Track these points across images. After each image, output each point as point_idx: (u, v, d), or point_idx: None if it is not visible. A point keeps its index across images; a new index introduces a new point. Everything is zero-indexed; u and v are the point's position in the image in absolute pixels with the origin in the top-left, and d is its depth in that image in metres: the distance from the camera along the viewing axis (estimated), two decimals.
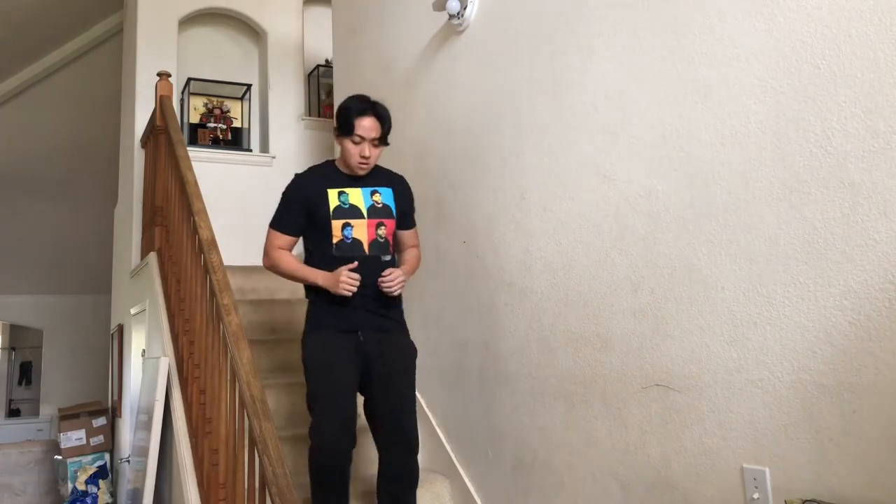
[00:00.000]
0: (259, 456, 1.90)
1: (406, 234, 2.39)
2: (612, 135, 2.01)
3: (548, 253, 2.25)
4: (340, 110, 2.27)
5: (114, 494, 4.63)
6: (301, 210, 2.26)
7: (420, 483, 2.62)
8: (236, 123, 5.06)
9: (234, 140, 5.04)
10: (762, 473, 1.55)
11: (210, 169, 4.46)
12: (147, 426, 3.13)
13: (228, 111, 5.04)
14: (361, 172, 2.27)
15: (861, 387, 1.38)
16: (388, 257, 2.27)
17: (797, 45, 1.52)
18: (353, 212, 2.24)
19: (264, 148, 5.05)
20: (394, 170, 2.46)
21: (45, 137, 6.64)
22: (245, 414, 2.05)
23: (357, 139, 2.21)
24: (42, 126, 6.55)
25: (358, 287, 2.13)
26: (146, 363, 3.69)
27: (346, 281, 2.11)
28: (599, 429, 2.03)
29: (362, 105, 2.24)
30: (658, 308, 1.84)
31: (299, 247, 2.36)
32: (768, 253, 1.56)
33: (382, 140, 2.26)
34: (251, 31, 5.23)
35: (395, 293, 2.20)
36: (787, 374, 1.52)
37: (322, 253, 2.23)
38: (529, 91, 2.35)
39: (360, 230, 2.23)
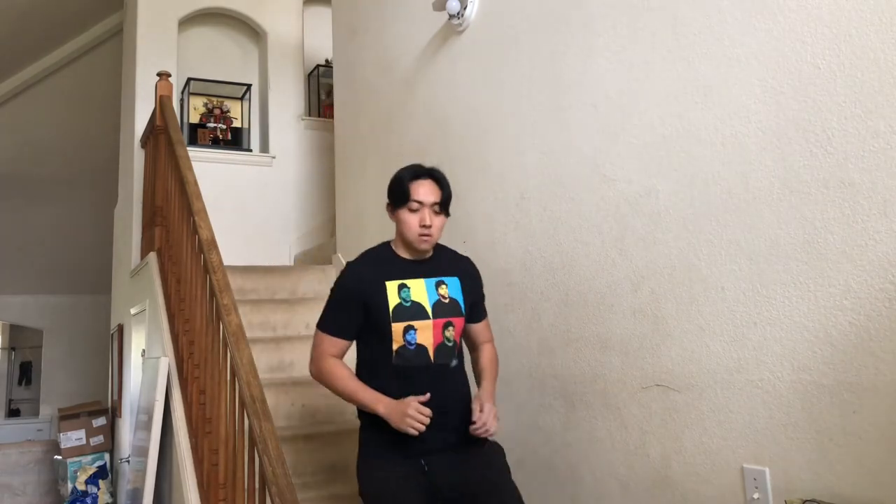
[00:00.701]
0: (259, 456, 1.90)
1: (477, 328, 2.04)
2: (612, 135, 2.01)
3: (548, 253, 2.25)
4: (392, 181, 1.95)
5: (114, 494, 4.63)
6: (358, 309, 1.88)
7: None
8: (236, 123, 5.06)
9: (234, 140, 5.04)
10: (762, 473, 1.55)
11: (210, 169, 4.46)
12: (147, 426, 3.13)
13: (228, 111, 5.04)
14: (425, 247, 1.92)
15: (861, 387, 1.38)
16: (455, 363, 1.93)
17: (797, 45, 1.52)
18: (417, 311, 1.88)
19: (264, 148, 5.05)
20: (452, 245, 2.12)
21: (45, 137, 6.64)
22: (245, 414, 2.05)
23: (415, 206, 1.88)
24: (42, 126, 6.55)
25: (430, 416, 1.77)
26: (146, 363, 3.69)
27: (414, 418, 1.74)
28: (599, 429, 2.03)
29: (417, 170, 1.93)
30: (658, 308, 1.84)
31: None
32: (768, 253, 1.56)
33: (443, 208, 1.91)
34: (251, 31, 5.23)
35: (494, 432, 1.84)
36: (787, 374, 1.52)
37: (379, 361, 1.88)
38: (529, 91, 2.35)
39: (425, 334, 1.87)
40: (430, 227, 1.88)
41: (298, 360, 3.22)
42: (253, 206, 4.79)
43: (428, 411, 1.75)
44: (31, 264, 7.91)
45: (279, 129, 5.04)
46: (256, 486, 1.97)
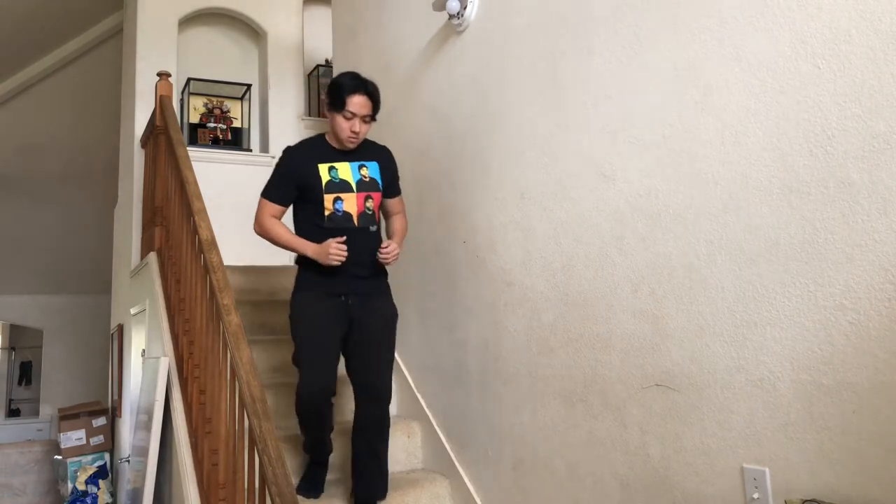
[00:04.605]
0: (259, 456, 1.90)
1: (392, 203, 2.55)
2: (612, 135, 2.01)
3: (548, 253, 2.25)
4: (332, 86, 2.39)
5: (114, 494, 4.63)
6: (293, 183, 2.41)
7: (420, 483, 2.63)
8: (236, 123, 5.06)
9: (234, 140, 5.03)
10: (762, 473, 1.55)
11: (210, 169, 4.45)
12: (147, 426, 3.13)
13: (228, 111, 5.04)
14: (351, 146, 2.41)
15: (861, 387, 1.38)
16: (374, 227, 2.43)
17: (797, 45, 1.52)
18: (343, 186, 2.39)
19: (264, 148, 5.05)
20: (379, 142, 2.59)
21: (45, 137, 6.64)
22: (245, 414, 2.05)
23: (348, 115, 2.34)
24: (42, 126, 6.55)
25: (347, 258, 2.29)
26: (146, 363, 3.69)
27: (335, 252, 2.28)
28: (599, 429, 2.02)
29: (354, 83, 2.36)
30: (658, 308, 1.84)
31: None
32: (768, 253, 1.56)
33: (372, 117, 2.39)
34: (251, 31, 5.23)
35: (392, 263, 2.38)
36: (787, 374, 1.52)
37: (313, 224, 2.39)
38: (529, 91, 2.35)
39: (350, 203, 2.38)
40: (357, 133, 2.37)
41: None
42: (253, 206, 4.76)
43: (345, 247, 2.28)
44: (31, 264, 7.91)
45: (279, 129, 5.04)
46: (256, 486, 1.97)
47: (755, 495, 1.56)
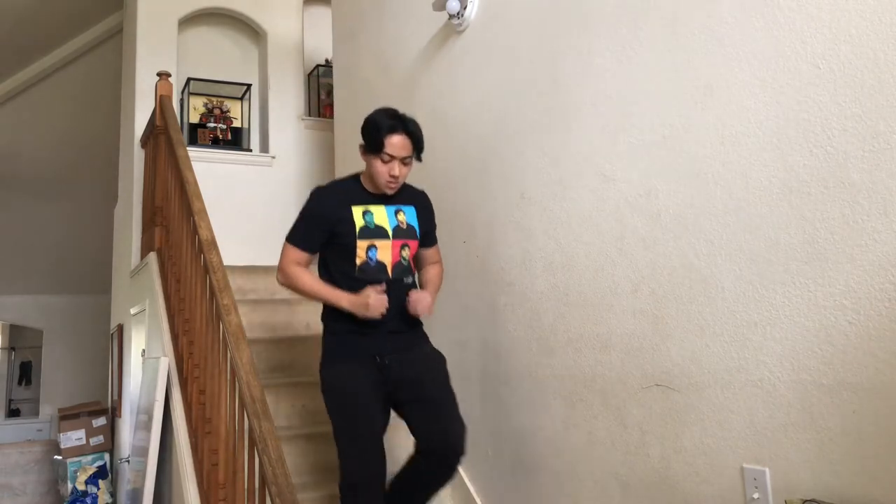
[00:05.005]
0: (259, 456, 1.90)
1: (428, 253, 2.31)
2: (612, 135, 2.01)
3: (548, 253, 2.25)
4: (368, 125, 2.12)
5: (114, 494, 4.63)
6: (322, 227, 2.14)
7: None
8: (236, 123, 5.06)
9: (234, 140, 5.04)
10: (762, 473, 1.55)
11: (210, 169, 4.45)
12: (147, 426, 3.13)
13: (228, 111, 5.04)
14: (390, 192, 2.15)
15: (861, 387, 1.38)
16: (409, 279, 2.19)
17: (797, 45, 1.51)
18: (379, 232, 2.13)
19: (264, 148, 5.05)
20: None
21: (44, 137, 6.64)
22: (245, 414, 2.05)
23: (386, 157, 2.08)
24: (42, 126, 6.55)
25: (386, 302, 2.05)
26: (146, 363, 3.69)
27: (376, 303, 2.02)
28: (599, 429, 2.02)
29: (392, 121, 2.09)
30: (658, 308, 1.84)
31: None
32: (768, 253, 1.56)
33: (415, 157, 2.14)
34: (251, 31, 5.23)
35: (423, 313, 2.13)
36: (787, 374, 1.52)
37: (343, 274, 2.12)
38: (529, 91, 2.35)
39: (385, 252, 2.13)
40: (397, 177, 2.10)
41: (299, 360, 3.22)
42: (253, 206, 4.79)
43: (385, 297, 2.03)
44: (31, 264, 7.91)
45: (279, 129, 5.04)
46: (256, 486, 1.97)
47: (755, 495, 1.56)
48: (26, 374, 9.59)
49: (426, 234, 2.26)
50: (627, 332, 1.93)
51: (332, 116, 4.26)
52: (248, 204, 4.77)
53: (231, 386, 2.24)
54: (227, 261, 2.65)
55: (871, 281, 1.36)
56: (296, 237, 2.17)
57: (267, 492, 1.84)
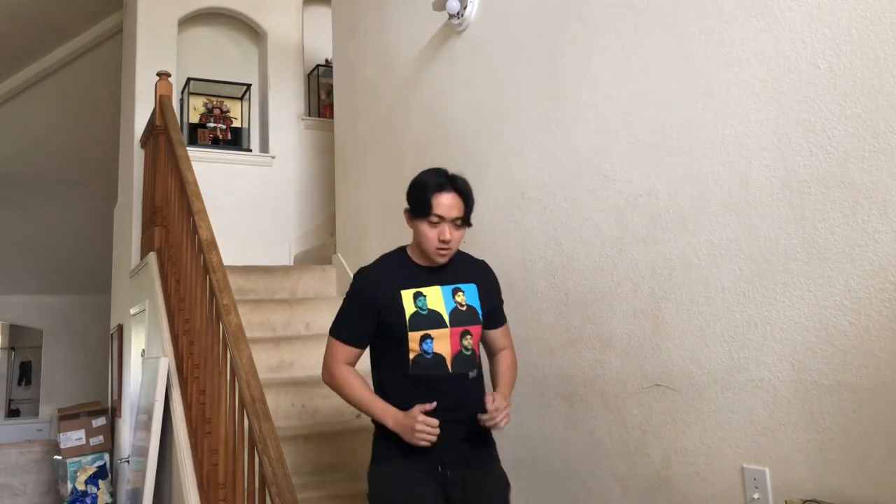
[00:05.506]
0: (259, 456, 1.90)
1: (495, 335, 1.99)
2: (612, 135, 2.01)
3: (548, 253, 2.25)
4: (414, 186, 1.88)
5: (113, 494, 4.63)
6: (370, 318, 1.85)
7: None
8: (236, 123, 5.06)
9: (234, 140, 5.04)
10: (762, 473, 1.55)
11: (210, 169, 4.46)
12: (147, 426, 3.13)
13: (228, 111, 5.04)
14: (442, 260, 1.87)
15: (861, 387, 1.38)
16: (474, 373, 1.87)
17: (797, 45, 1.52)
18: (434, 319, 1.82)
19: (264, 148, 5.06)
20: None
21: (45, 137, 6.64)
22: (245, 414, 2.05)
23: (435, 219, 1.81)
24: (42, 126, 6.55)
25: (439, 425, 1.73)
26: (146, 363, 3.69)
27: (423, 431, 1.71)
28: (599, 429, 2.02)
29: (439, 179, 1.84)
30: (658, 308, 1.84)
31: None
32: (768, 253, 1.56)
33: (465, 221, 1.87)
34: (251, 31, 5.23)
35: (502, 427, 1.80)
36: (787, 374, 1.52)
37: (395, 370, 1.83)
38: (529, 91, 2.35)
39: (442, 342, 1.82)
40: (448, 242, 1.83)
41: (298, 360, 3.22)
42: (253, 206, 4.79)
43: (434, 422, 1.72)
44: (31, 264, 7.91)
45: (279, 129, 5.04)
46: (256, 486, 1.97)
47: (755, 495, 1.56)
48: (26, 374, 9.60)
49: (491, 312, 1.95)
50: (627, 332, 1.93)
51: (332, 116, 4.26)
52: (248, 204, 4.78)
53: (231, 386, 2.24)
54: (226, 261, 2.65)
55: (871, 281, 1.36)
56: (340, 331, 1.89)
57: (267, 492, 1.84)
